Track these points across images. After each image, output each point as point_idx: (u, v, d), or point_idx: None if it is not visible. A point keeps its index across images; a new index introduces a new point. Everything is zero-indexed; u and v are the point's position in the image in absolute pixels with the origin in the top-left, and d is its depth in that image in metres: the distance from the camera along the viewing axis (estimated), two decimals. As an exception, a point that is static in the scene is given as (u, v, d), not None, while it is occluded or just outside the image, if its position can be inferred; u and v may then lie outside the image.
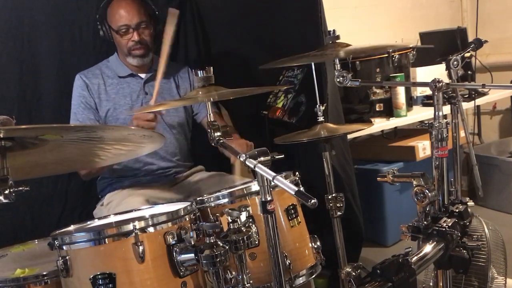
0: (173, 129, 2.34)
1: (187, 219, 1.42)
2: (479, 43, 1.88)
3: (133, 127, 1.92)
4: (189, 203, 1.48)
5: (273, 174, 1.20)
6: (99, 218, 1.62)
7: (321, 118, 1.99)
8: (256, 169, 1.24)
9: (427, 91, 3.17)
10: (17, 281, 1.46)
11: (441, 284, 1.54)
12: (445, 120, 1.49)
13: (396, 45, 3.10)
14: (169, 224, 1.36)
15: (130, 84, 2.29)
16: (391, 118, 2.88)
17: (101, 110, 2.23)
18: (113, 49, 2.35)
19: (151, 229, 1.33)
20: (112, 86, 2.26)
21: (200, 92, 1.54)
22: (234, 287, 1.38)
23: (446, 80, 1.55)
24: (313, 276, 1.69)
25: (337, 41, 1.83)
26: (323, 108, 2.00)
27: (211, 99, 1.57)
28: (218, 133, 1.53)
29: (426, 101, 3.20)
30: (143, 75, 2.31)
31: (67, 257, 1.32)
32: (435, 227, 1.42)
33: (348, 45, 1.83)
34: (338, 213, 1.97)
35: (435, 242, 1.39)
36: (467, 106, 3.20)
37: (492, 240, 1.89)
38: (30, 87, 2.39)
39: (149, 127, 1.99)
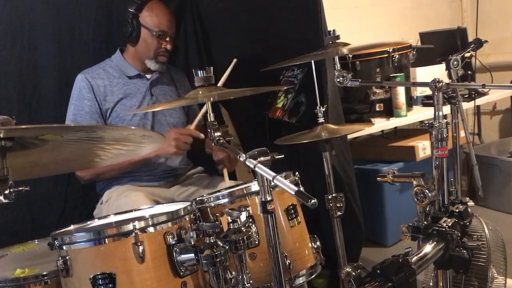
0: None
1: (187, 219, 1.42)
2: (479, 43, 1.88)
3: (171, 143, 2.06)
4: (189, 203, 1.48)
5: (273, 174, 1.20)
6: (99, 218, 1.62)
7: (321, 119, 1.99)
8: (256, 169, 1.24)
9: (427, 91, 3.17)
10: (17, 281, 1.46)
11: (441, 284, 1.54)
12: (445, 120, 1.49)
13: (396, 42, 3.09)
14: (169, 224, 1.36)
15: (137, 85, 2.29)
16: (391, 118, 2.88)
17: (107, 110, 2.22)
18: (113, 49, 2.35)
19: (151, 229, 1.33)
20: (119, 86, 2.25)
21: (200, 92, 1.55)
22: (234, 287, 1.38)
23: (446, 80, 1.55)
24: (313, 276, 1.69)
25: (337, 41, 1.83)
26: (324, 109, 2.00)
27: (211, 99, 1.57)
28: (218, 133, 1.53)
29: (426, 101, 3.20)
30: (149, 76, 2.32)
31: (67, 257, 1.32)
32: (435, 227, 1.42)
33: (348, 44, 1.84)
34: (338, 213, 1.97)
35: (435, 242, 1.38)
36: (467, 106, 3.20)
37: (492, 240, 1.89)
38: (30, 87, 2.39)
39: (184, 148, 2.10)
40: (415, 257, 1.31)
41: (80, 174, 2.18)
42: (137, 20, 2.22)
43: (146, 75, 2.31)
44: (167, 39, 2.24)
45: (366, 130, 2.69)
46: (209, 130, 1.54)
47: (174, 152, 2.11)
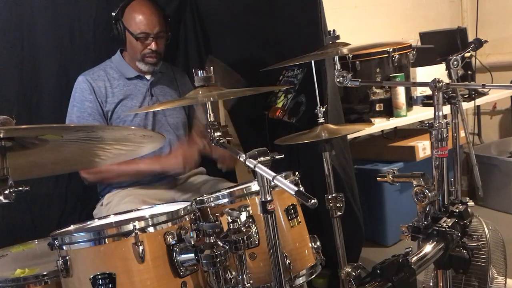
0: (176, 131, 2.33)
1: (187, 219, 1.42)
2: (479, 43, 1.88)
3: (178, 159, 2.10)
4: (189, 203, 1.48)
5: (273, 174, 1.20)
6: (99, 218, 1.62)
7: (321, 119, 1.99)
8: (256, 169, 1.24)
9: (427, 91, 3.17)
10: (17, 281, 1.46)
11: (441, 284, 1.54)
12: (445, 120, 1.49)
13: (396, 42, 3.10)
14: (169, 224, 1.36)
15: (137, 86, 2.28)
16: (391, 118, 2.88)
17: (108, 112, 2.21)
18: (113, 49, 2.34)
19: (151, 229, 1.33)
20: (119, 88, 2.24)
21: (200, 92, 1.54)
22: (234, 287, 1.38)
23: (446, 80, 1.55)
24: (313, 276, 1.69)
25: (337, 41, 1.84)
26: (324, 109, 2.00)
27: (211, 99, 1.56)
28: (218, 133, 1.53)
29: (426, 101, 3.20)
30: (148, 77, 2.30)
31: (67, 257, 1.32)
32: (435, 227, 1.42)
33: (348, 44, 1.84)
34: (338, 213, 1.97)
35: (435, 242, 1.39)
36: (467, 106, 3.21)
37: (492, 240, 1.89)
38: (30, 87, 2.38)
39: (193, 166, 2.14)
40: (415, 257, 1.32)
41: (85, 175, 2.18)
42: (121, 23, 2.18)
43: (146, 76, 2.30)
44: (149, 40, 2.18)
45: (366, 130, 2.69)
46: (209, 130, 1.54)
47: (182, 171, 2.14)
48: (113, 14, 2.20)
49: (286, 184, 1.16)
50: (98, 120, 2.19)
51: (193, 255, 1.31)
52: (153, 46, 2.19)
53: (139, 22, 2.16)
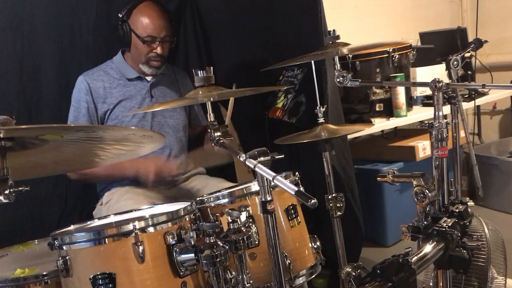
0: (176, 132, 2.33)
1: (187, 219, 1.42)
2: (479, 43, 1.88)
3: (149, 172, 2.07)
4: (189, 203, 1.48)
5: (273, 174, 1.20)
6: (99, 218, 1.62)
7: (321, 119, 1.99)
8: (256, 169, 1.24)
9: (427, 91, 3.17)
10: (17, 281, 1.46)
11: (441, 284, 1.55)
12: (445, 120, 1.49)
13: (396, 42, 3.10)
14: (169, 224, 1.36)
15: (137, 87, 2.28)
16: (391, 118, 2.89)
17: (106, 112, 2.21)
18: (113, 49, 2.34)
19: (151, 229, 1.33)
20: (119, 88, 2.25)
21: (200, 92, 1.55)
22: (234, 287, 1.38)
23: (446, 80, 1.55)
24: (313, 276, 1.69)
25: (337, 41, 1.84)
26: (324, 109, 2.00)
27: (211, 99, 1.57)
28: (218, 133, 1.53)
29: (426, 101, 3.20)
30: (149, 78, 2.30)
31: (67, 257, 1.32)
32: (435, 227, 1.42)
33: (348, 44, 1.84)
34: (338, 213, 1.97)
35: (435, 242, 1.39)
36: (467, 106, 3.21)
37: (492, 240, 1.89)
38: (30, 87, 2.38)
39: (165, 180, 2.13)
40: (415, 257, 1.32)
41: (69, 174, 2.21)
42: (127, 25, 2.18)
43: (147, 77, 2.30)
44: (155, 44, 2.19)
45: (366, 130, 2.69)
46: (209, 130, 1.54)
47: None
48: (120, 15, 2.19)
49: (286, 184, 1.16)
50: (91, 122, 2.20)
51: (193, 255, 1.30)
52: (158, 50, 2.20)
53: (146, 26, 2.17)
